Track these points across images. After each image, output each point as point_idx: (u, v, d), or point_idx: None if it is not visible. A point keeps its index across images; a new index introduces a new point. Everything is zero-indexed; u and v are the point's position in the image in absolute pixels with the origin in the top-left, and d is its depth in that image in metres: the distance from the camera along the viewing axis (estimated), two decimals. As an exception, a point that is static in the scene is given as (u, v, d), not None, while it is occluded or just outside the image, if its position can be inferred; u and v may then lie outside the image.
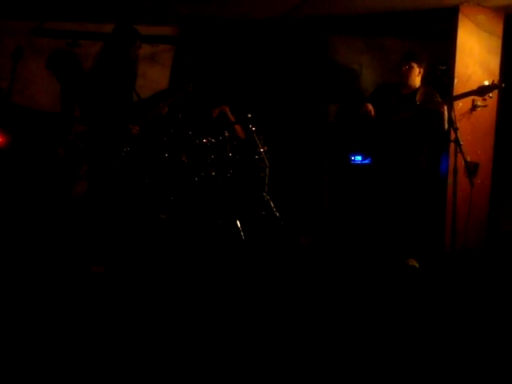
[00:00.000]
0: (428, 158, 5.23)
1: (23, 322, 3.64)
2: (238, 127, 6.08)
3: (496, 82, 4.77)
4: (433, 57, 5.71)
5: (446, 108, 4.92)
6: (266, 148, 6.02)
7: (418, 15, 5.68)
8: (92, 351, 3.31)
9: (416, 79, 5.13)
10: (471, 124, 5.41)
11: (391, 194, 5.21)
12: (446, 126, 4.98)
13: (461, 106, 5.33)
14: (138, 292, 4.28)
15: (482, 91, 4.82)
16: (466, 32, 5.37)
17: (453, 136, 4.50)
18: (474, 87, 4.99)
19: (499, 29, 5.46)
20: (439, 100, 5.00)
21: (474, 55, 5.41)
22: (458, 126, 4.52)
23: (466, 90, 5.03)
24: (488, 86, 4.77)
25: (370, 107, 5.18)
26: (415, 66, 5.08)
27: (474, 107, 5.39)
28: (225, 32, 6.58)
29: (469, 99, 5.31)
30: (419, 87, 5.14)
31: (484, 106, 5.38)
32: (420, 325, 3.82)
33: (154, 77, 6.60)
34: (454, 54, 5.39)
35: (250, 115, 5.99)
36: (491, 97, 4.95)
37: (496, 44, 5.47)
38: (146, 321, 3.75)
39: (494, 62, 5.48)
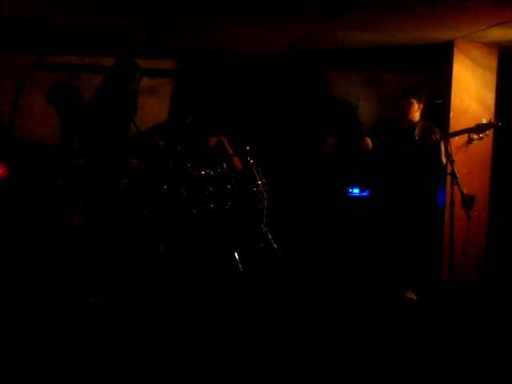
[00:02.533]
0: (426, 191, 5.26)
1: (21, 352, 3.62)
2: (235, 159, 6.12)
3: (493, 120, 4.83)
4: (428, 90, 5.80)
5: (442, 143, 4.97)
6: (264, 180, 6.05)
7: (413, 50, 5.76)
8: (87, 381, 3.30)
9: (415, 114, 5.19)
10: (467, 157, 5.45)
11: (389, 227, 5.22)
12: (444, 161, 5.03)
13: (457, 139, 5.36)
14: (135, 324, 4.26)
15: (479, 129, 4.89)
16: (461, 67, 5.45)
17: (449, 169, 4.54)
18: (470, 121, 5.06)
19: (494, 64, 5.55)
20: (438, 134, 5.05)
21: (469, 89, 5.49)
22: (455, 158, 4.56)
23: (462, 123, 5.10)
24: (485, 124, 4.84)
25: (369, 141, 5.23)
26: (415, 101, 5.14)
27: (470, 140, 5.43)
28: (223, 66, 6.67)
29: (465, 133, 5.38)
30: (418, 121, 5.20)
31: (480, 139, 5.42)
32: (417, 357, 3.81)
33: (152, 109, 6.67)
34: (449, 88, 5.46)
35: (248, 147, 6.04)
36: (487, 134, 5.01)
37: (491, 79, 5.55)
38: (142, 353, 3.73)
39: (489, 97, 5.55)
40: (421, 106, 5.18)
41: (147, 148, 5.30)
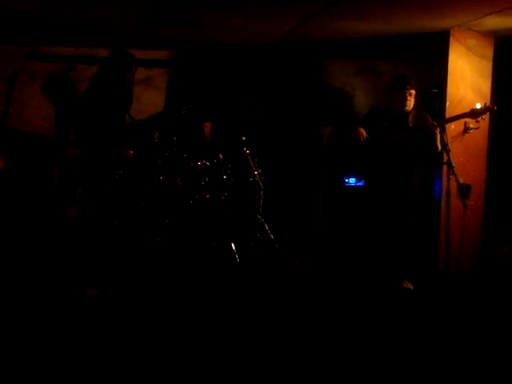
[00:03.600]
0: (421, 180, 5.26)
1: (17, 345, 3.63)
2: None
3: (488, 104, 4.82)
4: (424, 79, 5.78)
5: (438, 130, 4.96)
6: (260, 170, 6.05)
7: (409, 39, 5.75)
8: (84, 374, 3.30)
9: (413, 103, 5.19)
10: (463, 146, 5.45)
11: (385, 216, 5.22)
12: (440, 147, 5.02)
13: (453, 128, 5.38)
14: (132, 315, 4.26)
15: (474, 114, 4.86)
16: (458, 55, 5.44)
17: (445, 158, 4.53)
18: (466, 109, 5.04)
19: (490, 52, 5.53)
20: (431, 122, 5.04)
21: (465, 78, 5.47)
22: (451, 148, 4.56)
23: (458, 112, 5.08)
24: (480, 108, 4.82)
25: (362, 130, 5.21)
26: (414, 91, 5.12)
27: (466, 129, 5.44)
28: (219, 56, 6.64)
29: (461, 122, 5.35)
30: (411, 109, 5.19)
31: (476, 129, 5.43)
32: (413, 348, 3.82)
33: (148, 100, 6.65)
34: (445, 77, 5.44)
35: (244, 138, 6.04)
36: (484, 119, 4.99)
37: (487, 67, 5.54)
38: (139, 344, 3.73)
39: (485, 85, 5.54)
40: (414, 93, 5.18)
41: (142, 139, 5.28)
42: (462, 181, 4.70)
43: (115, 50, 5.23)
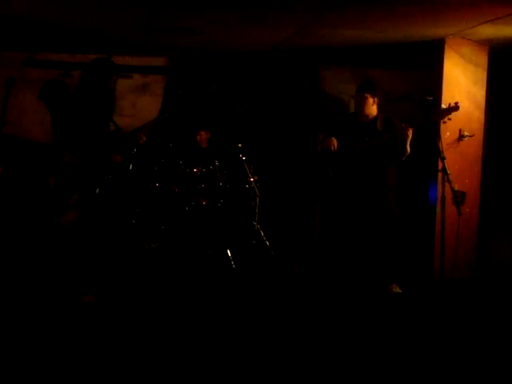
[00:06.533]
0: (394, 174, 5.28)
1: (12, 351, 3.62)
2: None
3: (452, 104, 4.82)
4: (419, 87, 5.82)
5: (410, 132, 5.01)
6: (256, 177, 6.07)
7: (404, 47, 5.78)
8: (79, 380, 3.29)
9: (371, 108, 5.23)
10: (458, 154, 5.48)
11: (364, 219, 5.27)
12: (409, 149, 5.08)
13: (448, 135, 5.42)
14: (128, 322, 4.26)
15: (440, 114, 4.90)
16: (452, 64, 5.47)
17: (440, 165, 4.56)
18: (461, 118, 5.10)
19: (484, 61, 5.57)
20: (400, 125, 5.09)
21: (460, 86, 5.51)
22: (446, 155, 4.58)
23: (453, 120, 5.06)
24: (446, 108, 4.83)
25: (334, 140, 5.23)
26: (368, 96, 5.19)
27: (461, 137, 5.47)
28: (215, 63, 6.67)
29: (456, 129, 5.42)
30: (377, 115, 5.24)
31: (471, 136, 5.47)
32: (408, 352, 3.84)
33: (144, 107, 6.67)
34: (440, 85, 5.48)
35: (240, 145, 6.06)
36: (450, 119, 4.96)
37: (481, 75, 5.58)
38: (135, 351, 3.73)
39: (480, 93, 5.58)
40: (376, 99, 5.22)
41: (129, 144, 5.24)
42: (456, 188, 4.72)
43: (96, 58, 5.21)
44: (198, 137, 6.29)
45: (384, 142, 5.11)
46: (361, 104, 5.23)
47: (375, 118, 5.25)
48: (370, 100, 5.20)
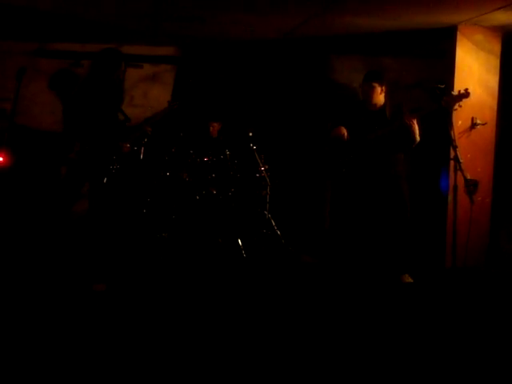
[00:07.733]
0: (404, 162, 5.25)
1: (24, 340, 3.64)
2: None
3: (462, 91, 4.76)
4: (431, 75, 5.77)
5: (413, 122, 4.96)
6: (267, 166, 6.05)
7: (416, 35, 5.74)
8: (90, 369, 3.31)
9: (379, 97, 5.18)
10: (471, 142, 5.44)
11: (375, 209, 5.24)
12: (418, 138, 5.03)
13: (460, 124, 5.37)
14: (139, 310, 4.28)
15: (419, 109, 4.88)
16: (465, 51, 5.42)
17: (452, 154, 4.52)
18: (474, 105, 5.07)
19: (497, 48, 5.51)
20: (407, 114, 5.04)
21: (472, 74, 5.45)
22: (458, 144, 4.54)
23: (466, 107, 4.99)
24: (455, 95, 4.77)
25: (344, 130, 5.20)
26: (376, 85, 5.13)
27: (473, 125, 5.43)
28: (226, 52, 6.64)
29: (468, 117, 5.38)
30: (385, 103, 5.20)
31: (483, 124, 5.42)
32: (418, 342, 3.82)
33: (155, 96, 6.67)
34: (452, 73, 5.43)
35: (251, 134, 6.04)
36: (461, 106, 4.91)
37: (494, 63, 5.52)
38: (146, 339, 3.74)
39: (493, 81, 5.52)
40: (383, 88, 5.16)
41: (137, 134, 5.25)
42: (469, 176, 4.68)
43: (105, 48, 5.20)
44: (211, 128, 6.29)
45: (393, 130, 5.07)
46: (368, 93, 5.18)
47: (383, 106, 5.20)
48: (378, 89, 5.15)
